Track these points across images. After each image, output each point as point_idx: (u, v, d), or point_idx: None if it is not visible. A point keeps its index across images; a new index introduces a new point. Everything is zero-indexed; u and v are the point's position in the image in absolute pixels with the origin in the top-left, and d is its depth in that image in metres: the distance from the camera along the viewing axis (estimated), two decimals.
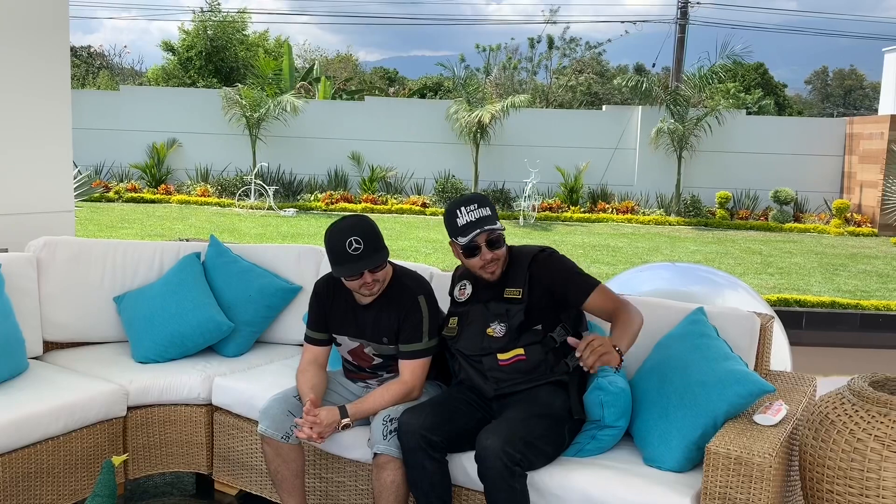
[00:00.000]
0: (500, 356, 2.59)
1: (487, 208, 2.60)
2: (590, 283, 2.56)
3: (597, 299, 2.54)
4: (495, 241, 2.59)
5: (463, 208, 2.59)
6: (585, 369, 2.24)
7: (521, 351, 2.58)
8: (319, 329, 2.87)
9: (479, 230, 2.55)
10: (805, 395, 2.70)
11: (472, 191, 15.72)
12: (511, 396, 2.60)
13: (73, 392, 2.98)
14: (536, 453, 2.43)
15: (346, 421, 2.63)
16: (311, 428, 2.57)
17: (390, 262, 2.84)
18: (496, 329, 2.60)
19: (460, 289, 2.77)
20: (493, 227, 2.57)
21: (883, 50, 22.06)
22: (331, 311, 2.85)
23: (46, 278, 3.46)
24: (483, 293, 2.69)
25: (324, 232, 2.71)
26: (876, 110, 24.34)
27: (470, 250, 2.60)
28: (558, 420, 2.53)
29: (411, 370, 2.73)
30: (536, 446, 2.43)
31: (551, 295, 2.60)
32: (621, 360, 2.27)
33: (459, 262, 2.80)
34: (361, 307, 2.79)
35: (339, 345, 2.89)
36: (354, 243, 2.58)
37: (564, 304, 2.61)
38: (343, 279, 2.67)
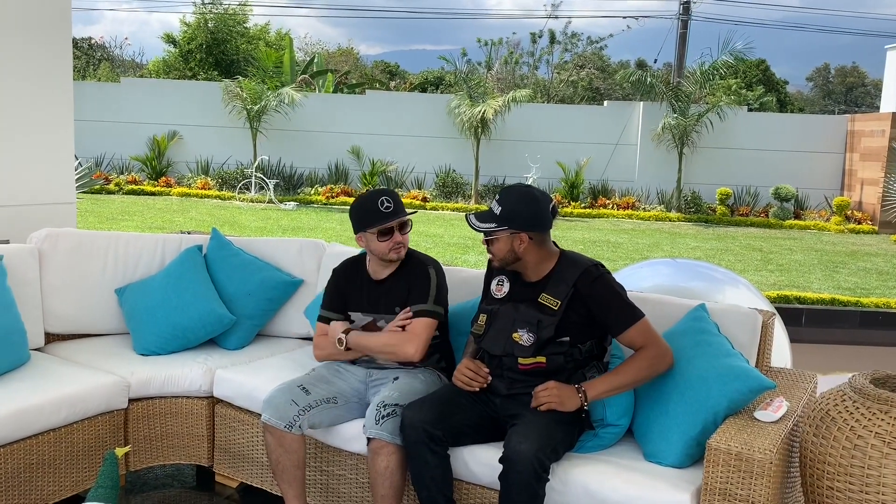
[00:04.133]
0: (522, 360, 2.59)
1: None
2: (634, 316, 2.53)
3: (633, 334, 2.52)
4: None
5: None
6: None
7: (542, 359, 2.57)
8: (336, 310, 3.00)
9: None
10: (806, 392, 2.70)
11: (474, 186, 15.71)
12: (522, 396, 2.59)
13: (74, 384, 2.98)
14: (557, 457, 2.45)
15: (341, 337, 2.87)
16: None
17: None
18: (523, 337, 2.57)
19: (498, 284, 2.73)
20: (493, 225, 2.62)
21: (885, 47, 22.02)
22: (349, 293, 2.99)
23: (48, 270, 3.46)
24: (519, 293, 2.65)
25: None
26: (877, 108, 24.31)
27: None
28: (572, 424, 2.54)
29: (413, 325, 2.81)
30: (558, 450, 2.45)
31: (590, 317, 2.56)
32: (583, 406, 2.48)
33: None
34: (376, 283, 2.95)
35: (352, 322, 2.98)
36: (386, 201, 2.83)
37: (601, 329, 2.60)
38: (376, 239, 2.85)
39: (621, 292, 2.57)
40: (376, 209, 2.82)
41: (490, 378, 2.65)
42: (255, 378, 3.15)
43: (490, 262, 2.82)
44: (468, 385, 2.65)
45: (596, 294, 2.54)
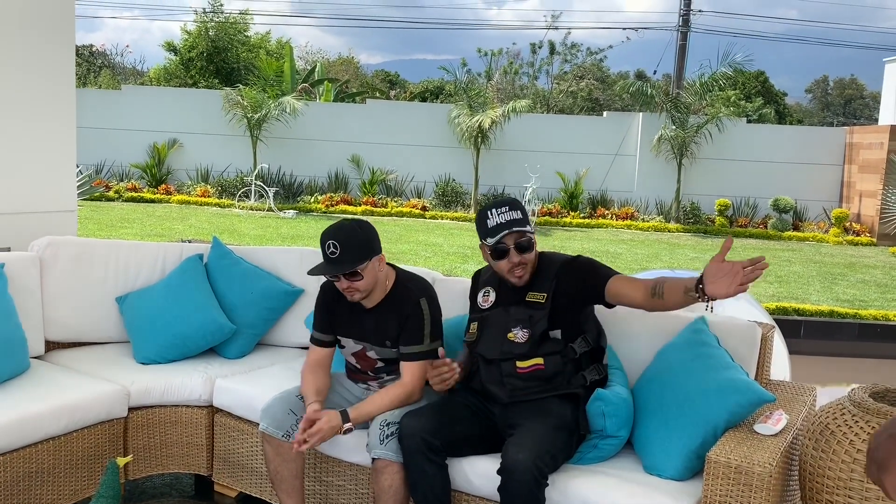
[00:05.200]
0: (520, 363, 2.59)
1: (518, 211, 2.62)
2: (611, 271, 2.58)
3: (619, 284, 2.53)
4: (524, 245, 2.59)
5: (494, 210, 2.62)
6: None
7: (540, 360, 2.58)
8: (325, 331, 2.89)
9: (506, 231, 2.57)
10: (805, 405, 2.71)
11: (473, 195, 15.74)
12: (522, 405, 2.60)
13: (74, 392, 2.98)
14: (555, 465, 2.45)
15: (347, 426, 2.63)
16: (307, 441, 2.57)
17: (394, 267, 2.86)
18: (518, 334, 2.59)
19: (484, 295, 2.76)
20: (523, 229, 2.58)
21: (883, 60, 22.10)
22: (336, 314, 2.87)
23: (49, 278, 3.47)
24: (506, 298, 2.68)
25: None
26: (876, 120, 24.39)
27: (498, 252, 2.61)
28: (571, 432, 2.54)
29: (411, 372, 2.74)
30: (557, 458, 2.45)
31: (576, 294, 2.59)
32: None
33: (480, 267, 2.82)
34: (365, 311, 2.81)
35: (342, 347, 2.91)
36: (332, 247, 2.64)
37: (588, 297, 2.60)
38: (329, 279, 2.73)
39: (600, 263, 2.65)
40: (323, 251, 2.66)
41: (458, 369, 2.61)
42: (254, 387, 3.15)
43: (477, 274, 2.87)
44: (444, 382, 2.61)
45: (576, 271, 2.61)
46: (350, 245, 2.63)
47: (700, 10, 23.63)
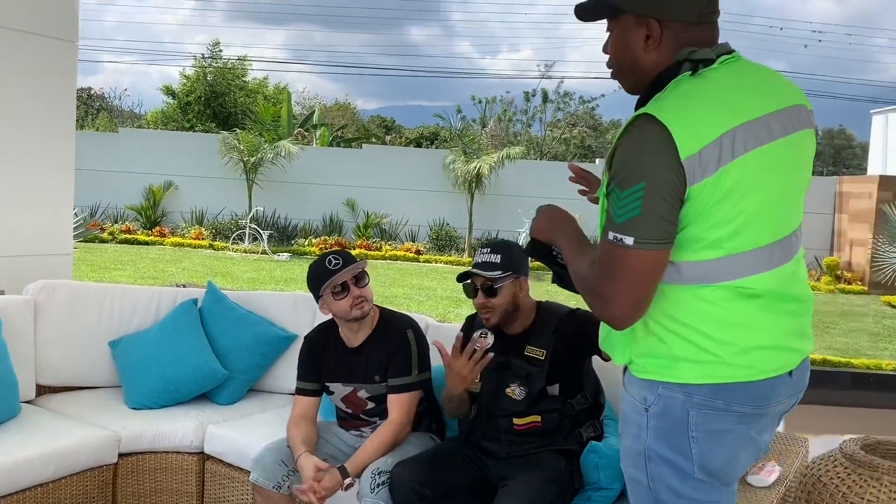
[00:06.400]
0: (517, 420, 2.58)
1: (499, 255, 2.61)
2: None
3: None
4: (487, 290, 2.60)
5: (482, 249, 2.68)
6: None
7: (537, 418, 2.56)
8: (311, 379, 2.89)
9: (476, 271, 2.61)
10: (798, 457, 2.70)
11: (467, 239, 15.82)
12: (519, 459, 2.59)
13: (64, 438, 2.96)
14: None
15: (348, 481, 2.61)
16: (315, 494, 2.55)
17: (376, 306, 2.90)
18: (516, 391, 2.58)
19: (481, 335, 2.71)
20: (492, 273, 2.58)
21: (871, 111, 22.50)
22: (323, 361, 2.88)
23: (43, 322, 3.47)
24: (505, 346, 2.66)
25: None
26: (865, 170, 24.73)
27: (467, 290, 2.67)
28: (565, 485, 2.52)
29: (399, 405, 2.74)
30: None
31: (575, 350, 2.58)
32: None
33: (473, 312, 2.81)
34: (352, 351, 2.83)
35: (331, 393, 2.90)
36: (333, 259, 2.76)
37: (585, 350, 2.57)
38: (335, 300, 2.74)
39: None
40: (325, 269, 2.75)
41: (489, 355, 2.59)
42: (246, 434, 3.13)
43: (470, 318, 2.85)
44: (472, 370, 2.56)
45: (576, 321, 2.60)
46: (348, 256, 2.81)
47: None
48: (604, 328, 1.81)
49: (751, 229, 1.57)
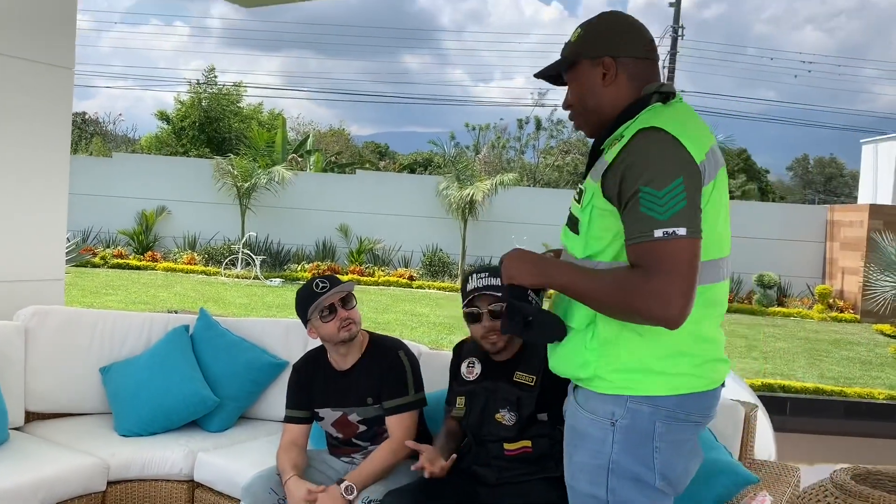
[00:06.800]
0: (507, 446, 2.57)
1: (499, 279, 2.59)
2: None
3: None
4: (497, 311, 2.54)
5: (476, 274, 2.62)
6: None
7: (528, 443, 2.55)
8: (300, 407, 2.89)
9: (479, 294, 2.55)
10: (789, 486, 2.70)
11: (460, 265, 15.82)
12: (508, 486, 2.57)
13: (53, 465, 2.93)
14: None
15: (346, 484, 2.59)
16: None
17: (365, 330, 2.90)
18: (506, 416, 2.57)
19: (469, 366, 2.71)
20: (498, 294, 2.54)
21: (861, 141, 22.70)
22: (312, 388, 2.88)
23: (34, 348, 3.45)
24: (492, 372, 2.64)
25: None
26: (856, 198, 24.91)
27: (471, 316, 2.60)
28: None
29: (399, 425, 2.73)
30: None
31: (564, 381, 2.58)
32: None
33: (461, 339, 2.81)
34: (342, 374, 2.83)
35: (321, 419, 2.89)
36: (320, 283, 2.77)
37: None
38: (322, 323, 2.74)
39: None
40: (312, 292, 2.76)
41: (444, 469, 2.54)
42: (236, 462, 3.11)
43: (457, 348, 2.85)
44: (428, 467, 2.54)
45: None
46: (335, 279, 2.81)
47: (683, 91, 24.28)
48: (555, 348, 1.89)
49: (708, 241, 1.71)
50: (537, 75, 1.96)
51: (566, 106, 1.93)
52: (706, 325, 1.79)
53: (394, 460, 2.70)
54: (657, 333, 1.71)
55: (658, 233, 1.61)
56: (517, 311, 1.85)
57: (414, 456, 2.89)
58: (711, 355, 1.80)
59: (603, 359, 1.75)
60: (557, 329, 1.85)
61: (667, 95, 1.80)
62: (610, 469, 1.75)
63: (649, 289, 1.61)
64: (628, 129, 1.73)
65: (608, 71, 1.81)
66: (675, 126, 1.69)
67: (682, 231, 1.60)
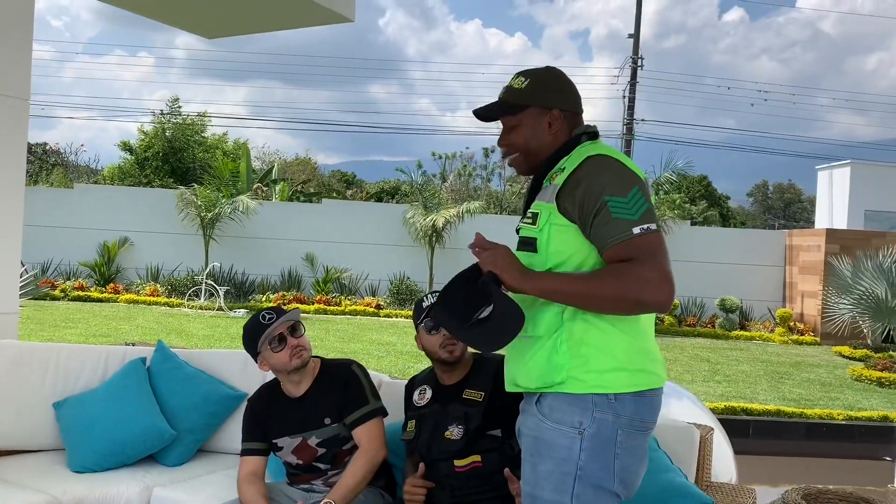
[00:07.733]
0: (457, 462, 2.58)
1: None
2: None
3: None
4: None
5: (429, 295, 2.72)
6: None
7: (478, 458, 2.57)
8: (258, 439, 2.88)
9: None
10: None
11: (427, 293, 15.81)
12: None
13: None
14: None
15: (325, 501, 2.57)
16: None
17: (316, 356, 2.92)
18: (454, 432, 2.59)
19: (420, 394, 2.77)
20: None
21: (816, 168, 23.31)
22: (269, 420, 2.88)
23: None
24: (442, 396, 2.69)
25: None
26: (814, 223, 25.48)
27: (429, 327, 2.66)
28: None
29: (367, 434, 2.74)
30: None
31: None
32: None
33: (412, 376, 2.83)
34: (297, 401, 2.84)
35: (280, 449, 2.87)
36: (266, 315, 2.80)
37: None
38: (273, 354, 2.76)
39: None
40: (259, 324, 2.78)
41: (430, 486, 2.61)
42: (193, 496, 3.06)
43: (410, 381, 2.89)
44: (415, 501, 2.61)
45: None
46: (280, 310, 2.84)
47: (643, 119, 24.78)
48: (519, 363, 2.01)
49: None
50: (477, 111, 2.12)
51: (506, 145, 2.13)
52: (650, 325, 2.02)
53: (370, 468, 2.70)
54: (622, 331, 1.90)
55: (636, 230, 1.83)
56: (488, 293, 1.96)
57: (374, 483, 2.88)
58: (658, 353, 2.00)
59: (575, 359, 1.90)
60: (517, 322, 1.91)
61: (593, 135, 2.09)
62: (577, 476, 1.88)
63: (645, 277, 1.80)
64: (569, 161, 1.98)
65: (554, 121, 2.07)
66: (615, 154, 1.97)
67: (653, 226, 1.84)
